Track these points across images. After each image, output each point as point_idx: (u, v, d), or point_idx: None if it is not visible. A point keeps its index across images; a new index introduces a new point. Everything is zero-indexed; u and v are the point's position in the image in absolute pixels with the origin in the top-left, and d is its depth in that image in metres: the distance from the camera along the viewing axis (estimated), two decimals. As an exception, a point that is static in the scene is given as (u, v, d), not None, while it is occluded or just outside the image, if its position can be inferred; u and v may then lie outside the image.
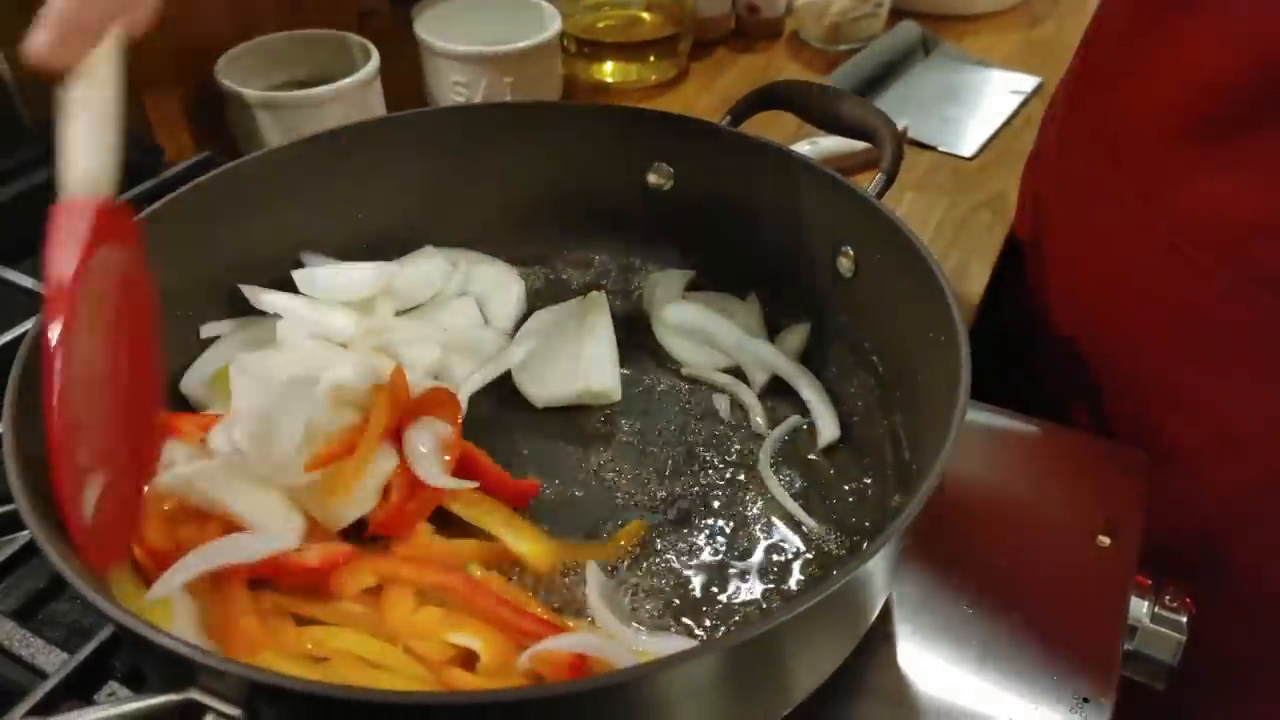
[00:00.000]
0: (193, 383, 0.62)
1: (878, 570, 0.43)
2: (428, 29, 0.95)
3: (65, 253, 0.39)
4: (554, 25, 0.97)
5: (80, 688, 0.50)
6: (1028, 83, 1.08)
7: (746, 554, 0.55)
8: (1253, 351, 0.64)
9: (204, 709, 0.36)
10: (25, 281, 0.73)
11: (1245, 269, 0.62)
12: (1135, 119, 0.68)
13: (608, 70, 1.08)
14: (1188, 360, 0.68)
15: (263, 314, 0.65)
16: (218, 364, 0.63)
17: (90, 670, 0.50)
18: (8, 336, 0.66)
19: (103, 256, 0.40)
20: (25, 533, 0.55)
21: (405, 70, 0.98)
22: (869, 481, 0.59)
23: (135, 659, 0.50)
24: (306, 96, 0.85)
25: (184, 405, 0.62)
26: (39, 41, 0.40)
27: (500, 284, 0.72)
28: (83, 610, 0.55)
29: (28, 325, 0.55)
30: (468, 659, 0.46)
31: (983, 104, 1.05)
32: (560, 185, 0.73)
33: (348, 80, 0.86)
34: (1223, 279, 0.63)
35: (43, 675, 0.50)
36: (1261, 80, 0.58)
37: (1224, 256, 0.63)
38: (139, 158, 0.88)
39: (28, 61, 0.40)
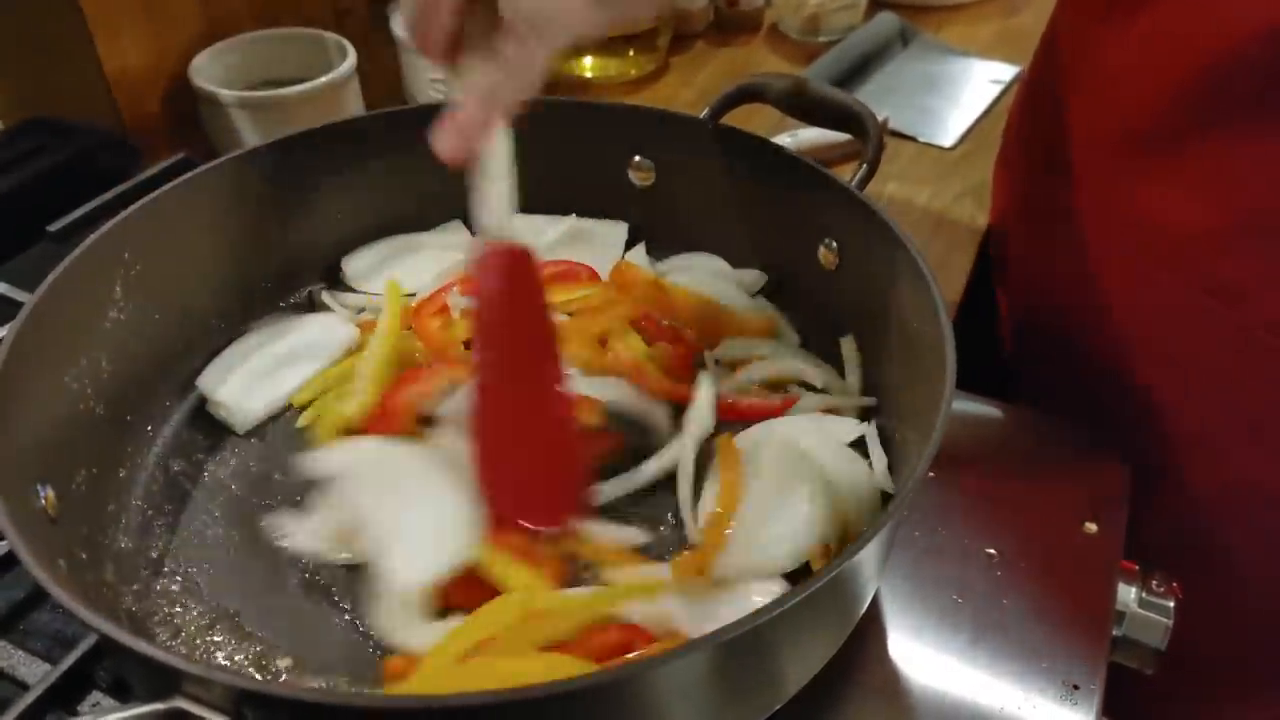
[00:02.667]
0: (209, 381, 0.62)
1: (868, 562, 0.43)
2: (405, 26, 0.94)
3: (490, 282, 0.51)
4: (532, 21, 0.96)
5: (63, 699, 0.49)
6: (1007, 72, 1.08)
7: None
8: (1206, 358, 0.64)
9: (190, 718, 0.35)
10: (-1, 288, 0.72)
11: (1192, 279, 0.62)
12: (1081, 132, 0.68)
13: (587, 65, 1.08)
14: (1148, 364, 0.68)
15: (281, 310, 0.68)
16: (234, 361, 0.63)
17: (73, 681, 0.49)
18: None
19: (510, 281, 0.51)
20: (4, 543, 0.54)
21: (383, 68, 0.97)
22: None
23: (119, 668, 0.49)
24: (282, 96, 0.85)
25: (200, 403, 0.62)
26: (443, 144, 0.47)
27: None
28: (66, 620, 0.55)
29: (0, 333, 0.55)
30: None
31: (962, 94, 1.06)
32: (539, 183, 0.72)
33: (324, 79, 0.85)
34: (1172, 288, 0.63)
35: (24, 687, 0.49)
36: (1194, 94, 0.58)
37: (1171, 267, 0.63)
38: (115, 160, 0.87)
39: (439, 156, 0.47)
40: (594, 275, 0.68)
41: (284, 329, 0.65)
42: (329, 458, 0.54)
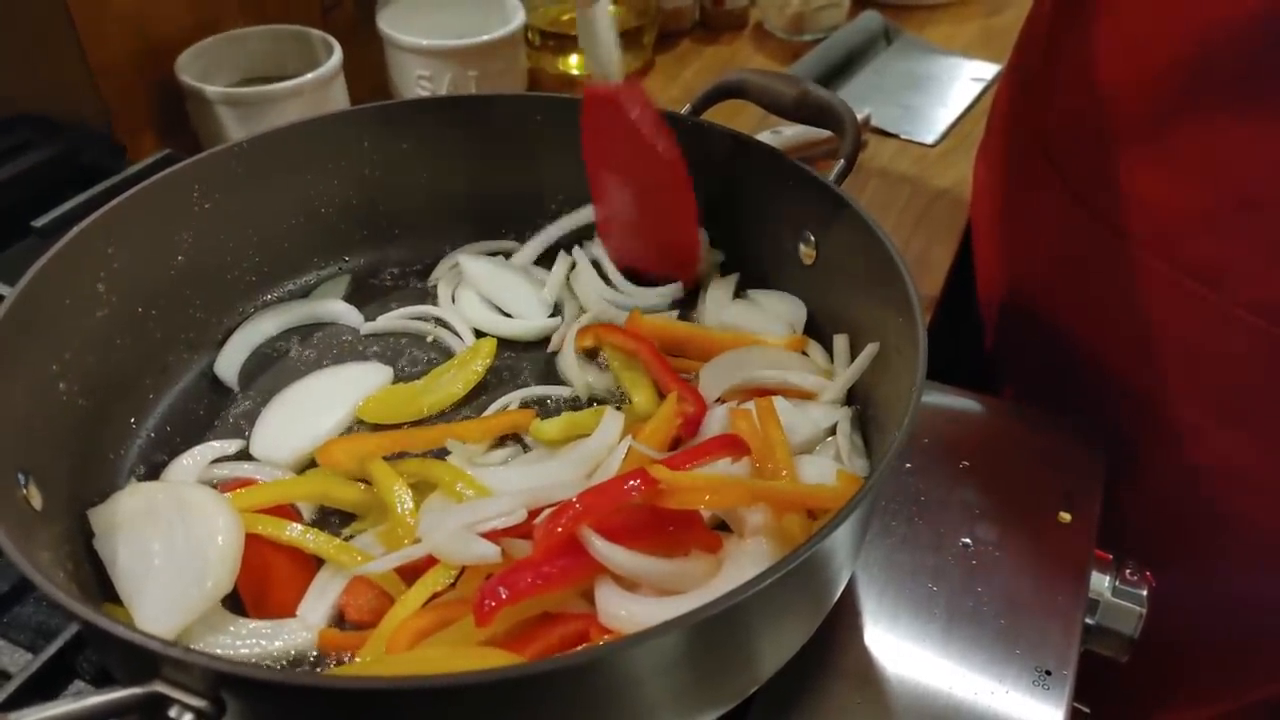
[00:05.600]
0: (224, 366, 0.64)
1: (841, 545, 0.44)
2: (391, 23, 0.94)
3: (595, 116, 0.64)
4: (518, 18, 0.97)
5: (46, 688, 0.49)
6: (988, 70, 1.09)
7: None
8: (1187, 340, 0.65)
9: (169, 701, 0.36)
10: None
11: (1175, 261, 0.63)
12: (1064, 118, 0.69)
13: (573, 63, 1.08)
14: (1127, 348, 0.69)
15: (289, 299, 0.69)
16: (248, 346, 0.66)
17: (55, 670, 0.50)
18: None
19: (626, 114, 0.62)
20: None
21: (369, 65, 0.98)
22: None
23: (100, 655, 0.50)
24: (268, 92, 0.85)
25: (218, 388, 0.64)
26: None
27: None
28: (49, 612, 0.55)
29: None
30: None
31: (945, 92, 1.07)
32: (523, 178, 0.73)
33: (310, 75, 0.86)
34: (1155, 271, 0.64)
35: (6, 676, 0.49)
36: (1178, 78, 0.59)
37: (1155, 249, 0.64)
38: (100, 157, 0.87)
39: None
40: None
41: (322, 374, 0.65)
42: (112, 508, 0.52)
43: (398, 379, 0.64)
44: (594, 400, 0.63)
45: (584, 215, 0.73)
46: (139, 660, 0.36)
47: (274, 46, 0.93)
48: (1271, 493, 0.66)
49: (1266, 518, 0.67)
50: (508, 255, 0.74)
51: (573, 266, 0.72)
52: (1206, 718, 0.81)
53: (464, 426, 0.59)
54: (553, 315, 0.69)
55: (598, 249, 0.73)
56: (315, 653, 0.48)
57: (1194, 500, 0.70)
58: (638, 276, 0.72)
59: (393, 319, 0.69)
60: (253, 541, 0.50)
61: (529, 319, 0.69)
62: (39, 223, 0.79)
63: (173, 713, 0.36)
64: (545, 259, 0.73)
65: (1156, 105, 0.61)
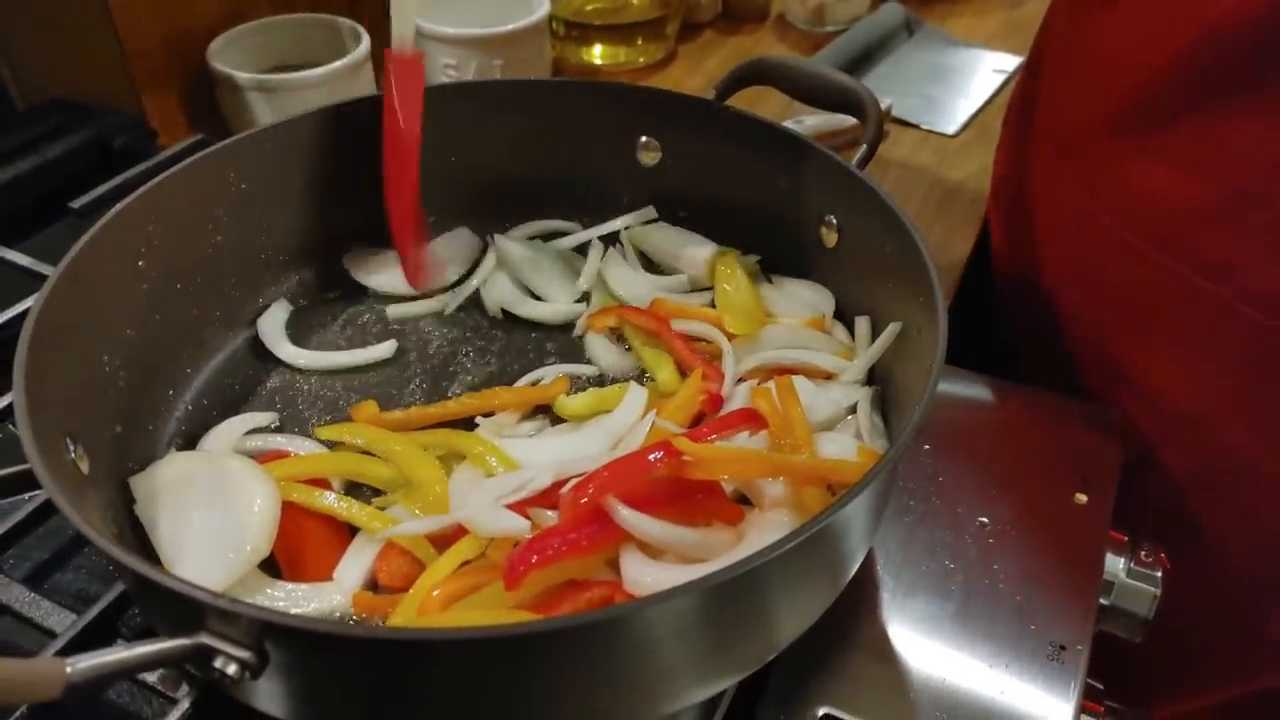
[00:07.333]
0: (267, 327, 0.67)
1: (858, 516, 0.45)
2: (417, 12, 0.96)
3: (408, 85, 0.67)
4: (543, 8, 0.98)
5: (90, 648, 0.51)
6: (1010, 62, 1.10)
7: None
8: (1192, 335, 0.66)
9: (214, 652, 0.37)
10: (22, 260, 0.74)
11: (1181, 256, 0.64)
12: (1075, 112, 0.70)
13: (596, 53, 1.10)
14: (1135, 342, 0.70)
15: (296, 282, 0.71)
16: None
17: (99, 631, 0.51)
18: (9, 314, 0.68)
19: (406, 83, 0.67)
20: (30, 500, 0.56)
21: (396, 53, 0.99)
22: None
23: (145, 612, 0.51)
24: (297, 79, 0.86)
25: (252, 362, 0.66)
26: None
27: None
28: (88, 579, 0.57)
29: (28, 303, 0.57)
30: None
31: (966, 83, 1.07)
32: (546, 163, 0.74)
33: (339, 63, 0.87)
34: (1161, 265, 0.65)
35: (52, 635, 0.51)
36: (1185, 74, 0.60)
37: (1161, 244, 0.65)
38: (134, 140, 0.89)
39: None
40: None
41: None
42: (153, 475, 0.54)
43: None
44: (618, 380, 0.64)
45: (624, 219, 0.75)
46: (185, 612, 0.38)
47: (303, 34, 0.95)
48: (1276, 486, 0.67)
49: (1271, 511, 0.68)
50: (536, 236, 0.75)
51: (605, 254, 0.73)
52: (1215, 702, 0.82)
53: (500, 394, 0.61)
54: (579, 300, 0.71)
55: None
56: (350, 614, 0.49)
57: (1202, 491, 0.70)
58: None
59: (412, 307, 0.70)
60: (287, 509, 0.52)
61: (558, 303, 0.70)
62: (76, 204, 0.81)
63: (218, 663, 0.37)
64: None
65: (1164, 99, 0.62)
